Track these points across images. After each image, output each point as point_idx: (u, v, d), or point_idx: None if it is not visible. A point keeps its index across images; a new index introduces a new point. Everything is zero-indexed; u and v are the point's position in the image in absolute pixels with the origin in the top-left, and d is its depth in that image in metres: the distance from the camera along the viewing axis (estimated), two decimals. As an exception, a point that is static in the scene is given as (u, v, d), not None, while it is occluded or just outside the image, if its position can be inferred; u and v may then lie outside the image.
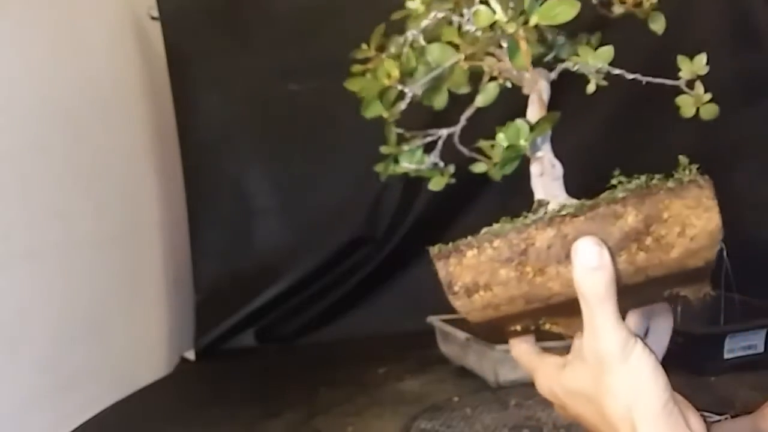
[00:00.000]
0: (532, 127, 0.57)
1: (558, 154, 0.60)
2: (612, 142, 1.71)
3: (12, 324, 1.23)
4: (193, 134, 1.82)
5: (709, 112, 0.63)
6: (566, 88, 0.63)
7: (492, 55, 0.61)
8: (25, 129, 1.29)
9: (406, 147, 0.64)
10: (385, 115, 0.61)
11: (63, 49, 1.43)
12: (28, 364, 1.27)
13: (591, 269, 0.52)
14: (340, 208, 1.88)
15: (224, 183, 1.86)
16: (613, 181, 0.55)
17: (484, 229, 0.56)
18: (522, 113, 0.60)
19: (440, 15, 0.59)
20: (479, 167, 0.63)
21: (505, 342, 0.63)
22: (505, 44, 0.59)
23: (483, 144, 0.61)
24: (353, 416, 1.36)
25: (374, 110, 0.61)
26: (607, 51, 0.62)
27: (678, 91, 0.63)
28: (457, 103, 0.62)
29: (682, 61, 0.63)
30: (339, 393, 1.47)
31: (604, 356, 0.54)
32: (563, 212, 0.54)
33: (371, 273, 1.90)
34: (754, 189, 1.76)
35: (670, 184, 0.53)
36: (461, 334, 1.48)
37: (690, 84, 0.62)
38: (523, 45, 0.56)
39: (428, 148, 0.64)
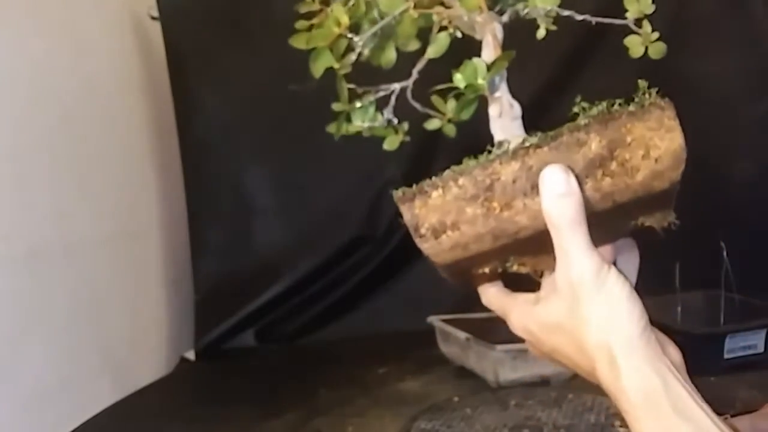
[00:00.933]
0: (488, 66, 0.56)
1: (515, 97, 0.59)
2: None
3: (12, 324, 1.23)
4: (193, 134, 1.82)
5: (657, 50, 0.62)
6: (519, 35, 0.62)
7: (441, 3, 0.60)
8: (24, 129, 1.29)
9: (358, 104, 0.62)
10: (336, 66, 0.59)
11: (63, 49, 1.43)
12: (28, 364, 1.27)
13: (559, 196, 0.52)
14: (340, 208, 1.88)
15: (224, 183, 1.86)
16: (575, 109, 0.55)
17: (448, 170, 0.56)
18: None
19: None
20: (433, 123, 0.62)
21: (475, 292, 0.62)
22: None
23: (435, 99, 0.60)
24: (353, 416, 1.36)
25: (324, 62, 0.59)
26: None
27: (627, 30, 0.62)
28: (410, 59, 0.61)
29: (628, 1, 0.61)
30: (339, 393, 1.47)
31: (578, 284, 0.53)
32: (526, 144, 0.53)
33: (371, 273, 1.89)
34: (754, 189, 1.76)
35: (632, 108, 0.53)
36: (461, 334, 1.48)
37: (638, 23, 0.61)
38: None
39: (381, 106, 0.62)
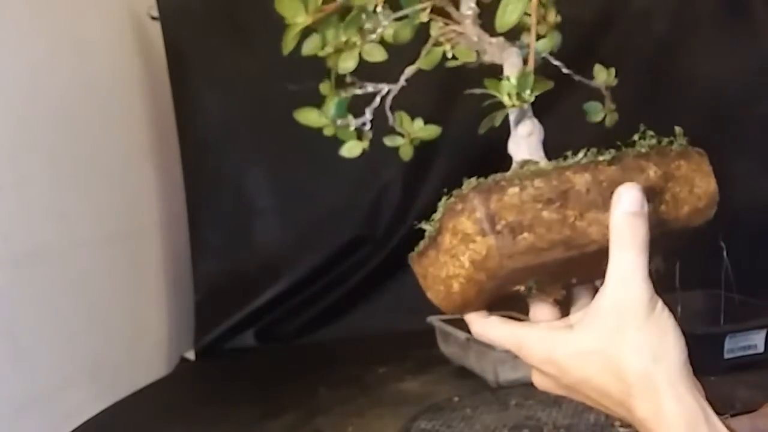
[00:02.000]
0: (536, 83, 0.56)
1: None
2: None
3: (12, 324, 1.23)
4: (193, 134, 1.82)
5: (613, 120, 0.66)
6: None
7: (447, 16, 0.59)
8: (25, 129, 1.29)
9: (343, 93, 0.61)
10: (344, 38, 0.57)
11: (63, 49, 1.43)
12: (27, 364, 1.27)
13: (633, 214, 0.52)
14: (340, 208, 1.88)
15: (224, 183, 1.86)
16: (635, 137, 0.57)
17: (513, 168, 0.55)
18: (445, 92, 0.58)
19: None
20: (394, 140, 0.61)
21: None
22: (471, 4, 0.57)
23: (401, 116, 0.60)
24: (353, 416, 1.36)
25: (329, 32, 0.56)
26: (550, 40, 0.63)
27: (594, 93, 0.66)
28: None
29: (598, 70, 0.65)
30: (339, 393, 1.47)
31: (630, 307, 0.53)
32: (599, 158, 0.54)
33: (371, 273, 1.89)
34: (754, 188, 1.76)
35: (677, 147, 0.56)
36: (461, 334, 1.48)
37: (605, 89, 0.65)
38: None
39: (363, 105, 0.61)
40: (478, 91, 0.55)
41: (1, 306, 1.21)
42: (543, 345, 0.56)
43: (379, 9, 0.56)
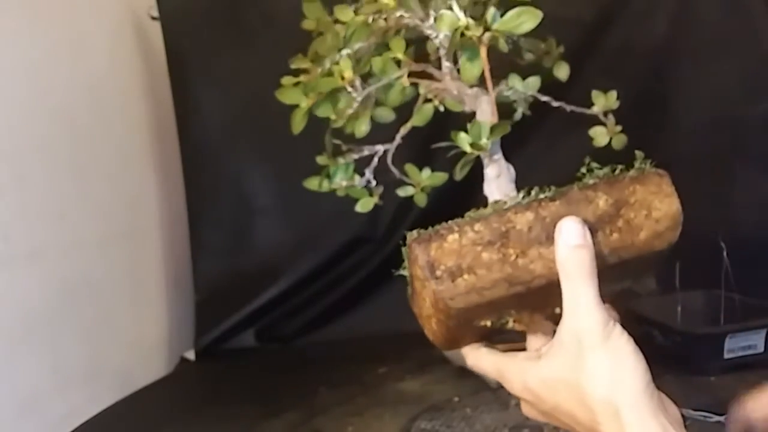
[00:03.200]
0: (492, 128, 0.59)
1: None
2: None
3: (12, 324, 1.23)
4: (193, 134, 1.81)
5: (620, 142, 0.68)
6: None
7: (430, 76, 0.63)
8: (25, 129, 1.29)
9: (342, 160, 0.65)
10: (333, 117, 0.62)
11: (63, 49, 1.43)
12: (28, 364, 1.27)
13: (575, 247, 0.53)
14: (340, 208, 1.87)
15: (224, 183, 1.86)
16: (583, 170, 0.58)
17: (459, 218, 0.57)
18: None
19: (405, 15, 0.60)
20: (406, 191, 0.65)
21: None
22: (447, 63, 0.61)
23: (409, 168, 0.65)
24: (353, 416, 1.36)
25: (325, 110, 0.61)
26: (535, 81, 0.66)
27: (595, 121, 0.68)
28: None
29: (596, 96, 0.67)
30: (339, 393, 1.47)
31: (585, 335, 0.54)
32: (540, 196, 0.56)
33: (371, 273, 1.89)
34: (754, 189, 1.76)
35: (632, 173, 0.58)
36: (461, 334, 1.48)
37: (605, 115, 0.68)
38: (483, 51, 0.57)
39: (362, 166, 0.65)
40: (444, 144, 0.60)
41: (1, 306, 1.21)
42: (518, 375, 0.59)
43: (349, 88, 0.62)
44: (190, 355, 1.81)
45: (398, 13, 0.60)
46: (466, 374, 1.50)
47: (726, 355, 1.42)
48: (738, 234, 1.60)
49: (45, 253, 1.33)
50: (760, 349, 1.44)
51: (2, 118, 1.24)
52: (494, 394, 1.40)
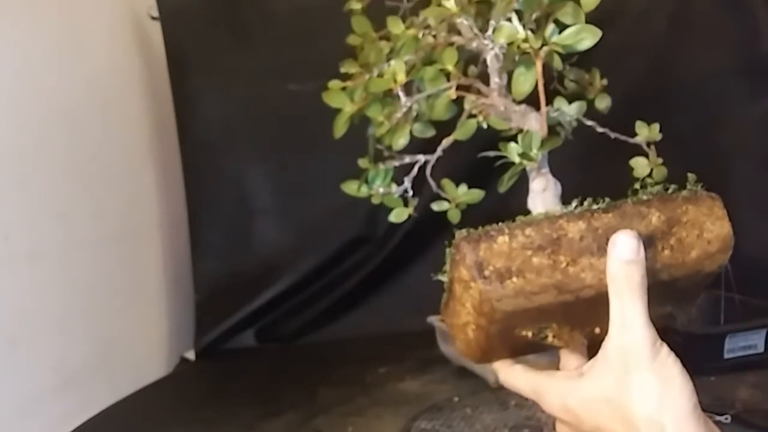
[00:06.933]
0: (543, 141, 0.59)
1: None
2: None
3: (12, 324, 1.23)
4: (193, 134, 1.81)
5: (661, 174, 0.67)
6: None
7: (478, 91, 0.63)
8: (25, 129, 1.29)
9: (381, 166, 0.65)
10: (381, 119, 0.62)
11: (63, 49, 1.43)
12: (28, 364, 1.27)
13: (628, 261, 0.53)
14: (340, 208, 1.88)
15: (224, 183, 1.86)
16: (636, 186, 0.59)
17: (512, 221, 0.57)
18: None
19: (466, 22, 0.60)
20: (441, 206, 0.65)
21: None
22: (496, 79, 0.60)
23: (445, 183, 0.64)
24: (353, 416, 1.36)
25: (375, 111, 0.62)
26: (581, 105, 0.65)
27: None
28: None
29: (639, 126, 0.67)
30: (339, 393, 1.47)
31: (632, 353, 0.53)
32: (594, 207, 0.55)
33: (371, 273, 1.89)
34: (754, 189, 1.76)
35: (685, 193, 0.58)
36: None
37: (648, 145, 0.67)
38: (538, 65, 0.57)
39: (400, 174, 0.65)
40: (492, 153, 0.59)
41: (1, 306, 1.21)
42: (558, 394, 0.57)
43: (400, 92, 0.62)
44: (190, 355, 1.81)
45: (459, 20, 0.60)
46: (466, 374, 1.50)
47: (726, 355, 1.42)
48: (738, 234, 1.59)
49: (45, 253, 1.33)
50: (760, 349, 1.44)
51: (2, 118, 1.24)
52: (494, 394, 1.40)
